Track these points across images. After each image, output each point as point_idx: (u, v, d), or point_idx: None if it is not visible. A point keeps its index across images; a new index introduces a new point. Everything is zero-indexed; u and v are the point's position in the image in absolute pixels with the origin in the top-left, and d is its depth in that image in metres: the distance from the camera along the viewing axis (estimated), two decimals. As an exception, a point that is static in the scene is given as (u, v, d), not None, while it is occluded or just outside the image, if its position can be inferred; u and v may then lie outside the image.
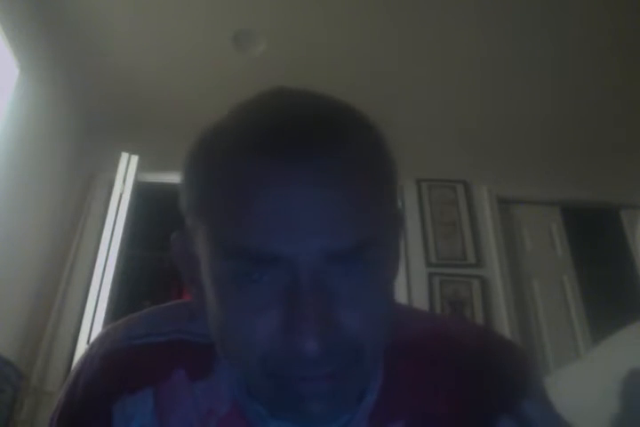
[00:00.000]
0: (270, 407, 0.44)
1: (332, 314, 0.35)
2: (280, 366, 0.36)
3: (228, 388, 0.46)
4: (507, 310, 2.74)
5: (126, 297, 2.75)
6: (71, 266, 2.64)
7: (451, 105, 2.99)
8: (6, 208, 2.22)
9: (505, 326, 2.68)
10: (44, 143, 2.59)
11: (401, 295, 2.63)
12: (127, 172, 2.59)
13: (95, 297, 2.30)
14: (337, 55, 2.64)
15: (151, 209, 2.77)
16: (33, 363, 2.34)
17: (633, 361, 0.74)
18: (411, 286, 2.74)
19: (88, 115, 2.99)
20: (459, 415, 0.45)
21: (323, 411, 0.38)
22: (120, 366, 0.48)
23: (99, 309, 2.27)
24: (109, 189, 2.65)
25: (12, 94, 2.22)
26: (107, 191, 2.73)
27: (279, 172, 0.35)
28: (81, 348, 2.18)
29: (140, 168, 2.62)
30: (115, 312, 2.35)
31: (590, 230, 3.25)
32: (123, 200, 2.53)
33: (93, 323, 2.23)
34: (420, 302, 2.66)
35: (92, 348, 0.51)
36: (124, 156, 2.61)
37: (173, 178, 0.44)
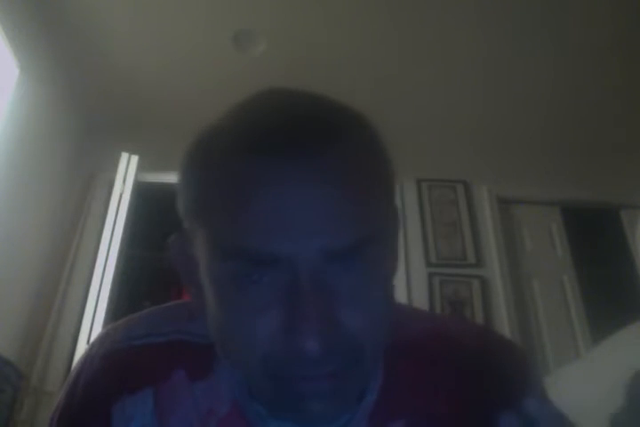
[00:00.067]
0: (271, 407, 0.44)
1: (333, 313, 0.35)
2: (281, 365, 0.36)
3: (228, 388, 0.46)
4: (507, 310, 2.74)
5: (126, 297, 2.75)
6: (71, 266, 2.64)
7: (451, 105, 2.99)
8: (6, 208, 2.22)
9: (505, 326, 2.68)
10: (43, 143, 2.59)
11: (401, 295, 2.63)
12: (127, 172, 2.59)
13: (95, 297, 2.30)
14: (337, 55, 2.64)
15: (151, 209, 2.77)
16: (33, 363, 2.34)
17: (633, 361, 0.74)
18: (411, 286, 2.74)
19: (88, 115, 2.99)
20: (459, 415, 0.45)
21: (324, 411, 0.38)
22: (120, 366, 0.48)
23: (99, 309, 2.27)
24: (109, 189, 2.65)
25: (11, 94, 2.22)
26: (107, 191, 2.73)
27: (276, 171, 0.35)
28: (81, 348, 2.18)
29: (140, 168, 2.62)
30: (115, 312, 2.34)
31: (590, 230, 3.25)
32: (123, 200, 2.53)
33: (93, 323, 2.23)
34: (420, 302, 2.66)
35: (92, 348, 0.51)
36: (124, 156, 2.62)
37: (173, 178, 0.44)
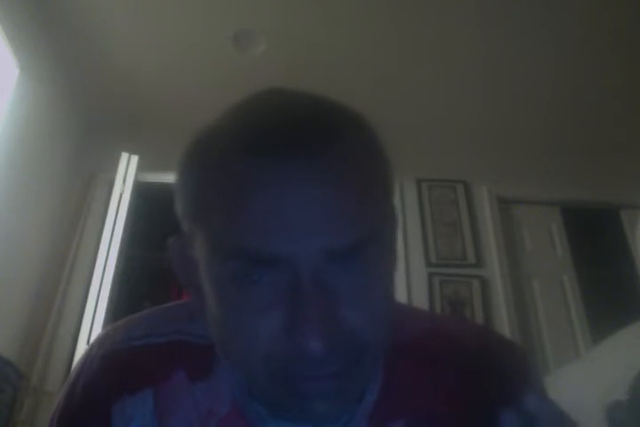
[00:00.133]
0: (273, 408, 0.44)
1: (334, 313, 0.35)
2: (284, 366, 0.36)
3: (228, 388, 0.46)
4: (507, 310, 2.74)
5: (126, 297, 2.75)
6: (71, 266, 2.64)
7: (451, 105, 2.99)
8: (6, 208, 2.22)
9: (505, 326, 2.68)
10: (44, 143, 2.59)
11: (401, 295, 2.63)
12: (127, 172, 2.59)
13: (95, 297, 2.30)
14: (337, 55, 2.64)
15: (151, 209, 2.77)
16: (33, 363, 2.34)
17: (633, 361, 0.74)
18: (411, 286, 2.74)
19: (88, 115, 2.99)
20: (459, 415, 0.45)
21: (327, 410, 0.38)
22: (120, 366, 0.48)
23: (99, 309, 2.27)
24: (109, 189, 2.65)
25: (12, 94, 2.22)
26: (107, 191, 2.73)
27: (275, 171, 0.35)
28: (81, 348, 2.18)
29: (140, 168, 2.62)
30: (115, 312, 2.34)
31: (590, 230, 3.25)
32: (123, 200, 2.53)
33: (93, 323, 2.23)
34: (420, 302, 2.66)
35: (92, 349, 0.51)
36: (124, 156, 2.62)
37: (173, 178, 0.44)
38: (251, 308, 0.36)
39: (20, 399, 2.08)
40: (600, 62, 2.64)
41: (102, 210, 2.68)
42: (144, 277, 3.08)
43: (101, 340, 0.52)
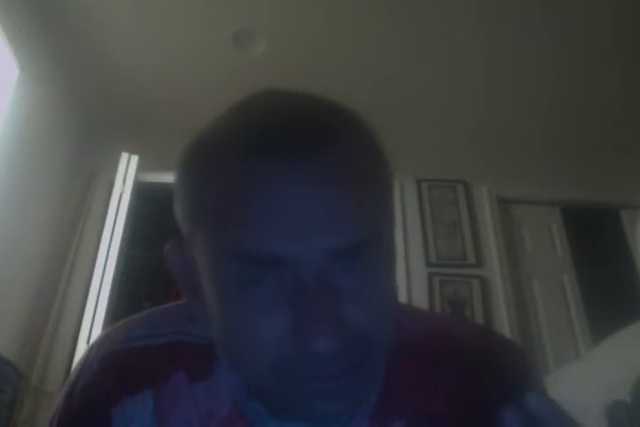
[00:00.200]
0: (274, 408, 0.44)
1: (340, 312, 0.35)
2: (291, 367, 0.36)
3: (228, 389, 0.46)
4: (507, 310, 2.74)
5: (126, 297, 2.75)
6: (71, 266, 2.64)
7: (451, 105, 2.99)
8: (6, 208, 2.22)
9: (505, 326, 2.68)
10: (44, 143, 2.59)
11: (401, 295, 2.63)
12: (127, 172, 2.59)
13: (95, 297, 2.30)
14: (337, 55, 2.64)
15: (151, 209, 2.77)
16: (33, 363, 2.34)
17: (633, 361, 0.74)
18: (411, 286, 2.74)
19: (88, 115, 2.99)
20: (459, 415, 0.45)
21: (334, 410, 0.38)
22: (120, 368, 0.48)
23: (99, 309, 2.27)
24: (109, 189, 2.65)
25: (12, 94, 2.22)
26: (107, 191, 2.73)
27: (276, 172, 0.35)
28: (81, 348, 2.18)
29: (140, 168, 2.62)
30: (114, 312, 2.35)
31: (590, 230, 3.25)
32: (123, 200, 2.53)
33: (93, 323, 2.23)
34: (420, 302, 2.66)
35: (92, 350, 0.51)
36: (124, 156, 2.62)
37: (173, 178, 0.44)
38: (254, 309, 0.36)
39: (20, 399, 2.08)
40: (600, 62, 2.64)
41: (102, 210, 2.68)
42: (144, 278, 3.08)
43: (101, 341, 0.51)
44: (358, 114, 0.41)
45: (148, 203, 2.75)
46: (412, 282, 2.76)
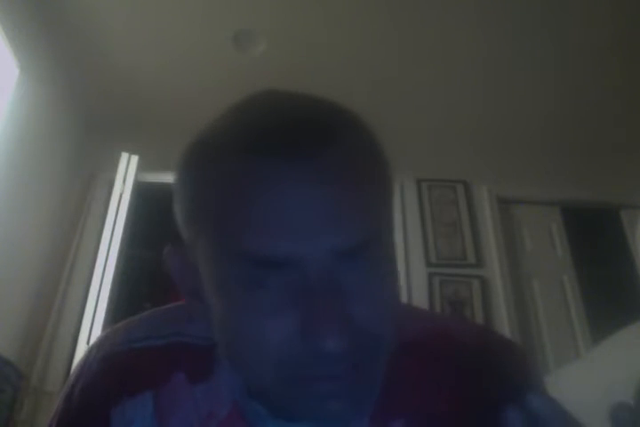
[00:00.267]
0: (275, 408, 0.44)
1: (347, 311, 0.35)
2: (300, 367, 0.36)
3: (228, 389, 0.46)
4: (507, 310, 2.74)
5: (126, 297, 2.75)
6: (71, 266, 2.64)
7: (451, 105, 2.99)
8: (6, 208, 2.22)
9: (505, 326, 2.69)
10: (44, 143, 2.59)
11: (401, 295, 2.63)
12: (127, 172, 2.59)
13: (95, 297, 2.30)
14: (337, 55, 2.64)
15: (151, 209, 2.77)
16: (33, 363, 2.34)
17: (633, 361, 0.74)
18: (411, 286, 2.74)
19: (88, 115, 2.99)
20: (459, 414, 0.45)
21: (342, 409, 0.38)
22: (119, 369, 0.48)
23: (99, 309, 2.27)
24: (109, 189, 2.65)
25: (12, 94, 2.22)
26: (107, 191, 2.73)
27: (278, 172, 0.35)
28: (81, 348, 2.18)
29: (140, 168, 2.62)
30: (114, 312, 2.35)
31: (590, 230, 3.26)
32: (123, 200, 2.53)
33: (93, 323, 2.23)
34: (420, 302, 2.66)
35: (91, 351, 0.51)
36: (124, 156, 2.62)
37: (173, 179, 0.44)
38: (260, 311, 0.36)
39: (20, 399, 2.08)
40: (600, 62, 2.64)
41: (102, 210, 2.68)
42: (144, 278, 3.08)
43: (101, 342, 0.51)
44: (358, 114, 0.41)
45: (148, 203, 2.75)
46: (412, 282, 2.76)
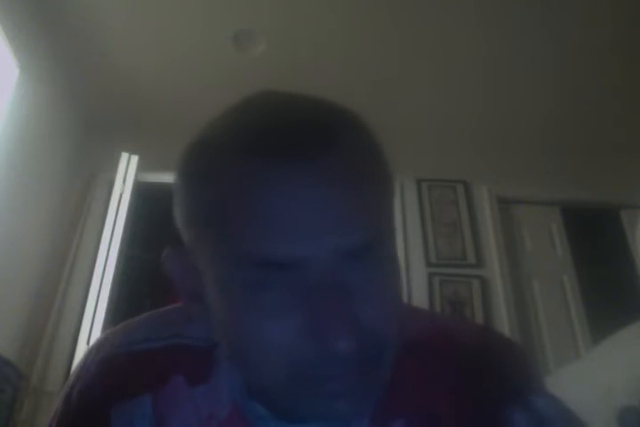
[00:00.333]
0: (276, 409, 0.44)
1: (354, 310, 0.35)
2: (308, 367, 0.36)
3: (228, 391, 0.46)
4: (507, 310, 2.74)
5: (126, 297, 2.75)
6: (71, 266, 2.64)
7: (451, 105, 2.99)
8: (6, 208, 2.22)
9: (505, 326, 2.69)
10: (44, 143, 2.59)
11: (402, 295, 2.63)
12: (127, 172, 2.59)
13: (95, 297, 2.30)
14: (337, 55, 2.64)
15: (151, 209, 2.77)
16: (33, 363, 2.34)
17: (633, 361, 0.74)
18: (411, 286, 2.74)
19: (88, 115, 2.99)
20: (460, 414, 0.45)
21: (349, 409, 0.38)
22: (118, 371, 0.48)
23: (99, 309, 2.27)
24: (109, 189, 2.65)
25: (12, 94, 2.22)
26: (107, 191, 2.73)
27: (280, 173, 0.34)
28: (81, 348, 2.18)
29: (140, 168, 2.62)
30: (114, 312, 2.35)
31: (590, 230, 3.26)
32: (123, 200, 2.53)
33: (93, 323, 2.23)
34: (420, 302, 2.66)
35: (90, 353, 0.51)
36: (124, 156, 2.62)
37: (173, 180, 0.43)
38: (265, 314, 0.36)
39: (20, 399, 2.08)
40: (600, 62, 2.64)
41: (102, 210, 2.68)
42: (144, 278, 3.08)
43: (100, 344, 0.51)
44: (357, 114, 0.41)
45: (148, 203, 2.75)
46: (412, 282, 2.76)
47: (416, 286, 2.75)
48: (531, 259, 3.05)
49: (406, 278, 2.75)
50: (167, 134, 2.56)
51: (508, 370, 0.48)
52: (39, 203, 2.58)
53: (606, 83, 2.78)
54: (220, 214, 0.36)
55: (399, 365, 0.41)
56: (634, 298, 2.66)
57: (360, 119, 0.41)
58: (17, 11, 2.17)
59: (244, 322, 0.37)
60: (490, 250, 2.93)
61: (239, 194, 0.35)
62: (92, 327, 2.21)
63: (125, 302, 2.70)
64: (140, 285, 3.11)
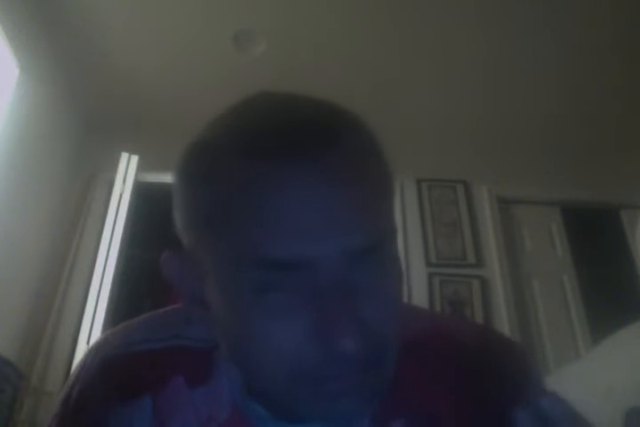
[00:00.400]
0: (277, 410, 0.44)
1: (360, 311, 0.35)
2: (314, 368, 0.36)
3: (228, 392, 0.46)
4: (507, 310, 2.74)
5: (126, 297, 2.75)
6: (71, 266, 2.64)
7: (451, 105, 2.99)
8: (6, 208, 2.22)
9: (505, 326, 2.69)
10: (44, 143, 2.59)
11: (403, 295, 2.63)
12: (127, 172, 2.59)
13: (95, 297, 2.30)
14: (337, 55, 2.64)
15: (151, 209, 2.76)
16: (33, 363, 2.34)
17: (633, 361, 0.74)
18: (411, 286, 2.74)
19: (88, 115, 2.99)
20: (460, 413, 0.45)
21: (352, 408, 0.38)
22: (118, 373, 0.48)
23: (99, 309, 2.27)
24: (109, 189, 2.65)
25: (12, 94, 2.22)
26: (107, 191, 2.73)
27: (286, 175, 0.34)
28: (81, 348, 2.18)
29: (140, 168, 2.62)
30: (114, 312, 2.35)
31: (590, 230, 3.25)
32: (123, 200, 2.53)
33: (93, 323, 2.23)
34: (420, 302, 2.66)
35: (90, 354, 0.51)
36: (124, 156, 2.62)
37: (172, 184, 0.43)
38: (272, 315, 0.36)
39: (20, 399, 2.08)
40: (600, 62, 2.64)
41: (102, 210, 2.68)
42: (144, 277, 3.08)
43: (99, 345, 0.51)
44: (357, 115, 0.41)
45: (148, 203, 2.75)
46: (412, 282, 2.76)
47: (416, 286, 2.75)
48: (531, 259, 3.05)
49: (406, 278, 2.75)
50: (167, 134, 2.56)
51: (508, 370, 0.48)
52: (39, 203, 2.58)
53: (606, 83, 2.78)
54: (222, 215, 0.36)
55: (399, 365, 0.42)
56: (634, 298, 2.66)
57: (360, 119, 0.41)
58: (17, 11, 2.17)
59: (247, 323, 0.37)
60: (490, 250, 2.93)
61: (241, 194, 0.35)
62: (92, 327, 2.21)
63: (125, 302, 2.70)
64: (140, 285, 3.11)
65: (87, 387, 0.48)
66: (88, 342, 2.18)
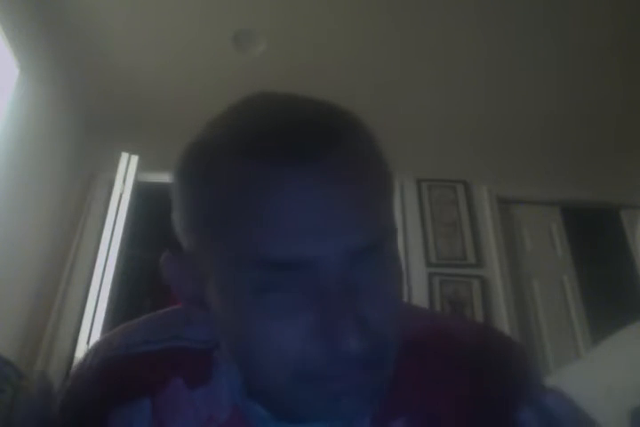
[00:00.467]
0: (277, 410, 0.44)
1: (361, 310, 0.35)
2: (317, 368, 0.36)
3: (228, 393, 0.46)
4: (507, 310, 2.74)
5: (126, 297, 2.75)
6: (71, 266, 2.64)
7: (451, 105, 2.99)
8: (6, 208, 2.22)
9: (505, 325, 2.68)
10: (44, 143, 2.59)
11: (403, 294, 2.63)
12: (127, 172, 2.59)
13: (95, 297, 2.30)
14: (337, 55, 2.64)
15: (151, 209, 2.76)
16: (33, 363, 2.34)
17: (633, 361, 0.74)
18: (411, 286, 2.74)
19: (88, 115, 2.99)
20: (460, 413, 0.45)
21: (354, 407, 0.38)
22: (117, 374, 0.48)
23: (99, 309, 2.27)
24: (109, 189, 2.65)
25: (12, 94, 2.22)
26: (107, 191, 2.73)
27: (287, 176, 0.34)
28: (81, 348, 2.18)
29: (140, 168, 2.62)
30: (114, 312, 2.34)
31: (590, 230, 3.26)
32: (123, 200, 2.53)
33: (93, 323, 2.23)
34: (420, 302, 2.66)
35: (89, 355, 0.51)
36: (124, 156, 2.62)
37: (171, 185, 0.43)
38: (274, 315, 0.36)
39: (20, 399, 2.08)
40: (600, 62, 2.64)
41: (102, 210, 2.68)
42: (144, 277, 3.08)
43: (98, 346, 0.51)
44: (356, 115, 0.41)
45: (147, 203, 2.74)
46: (412, 282, 2.76)
47: (416, 286, 2.75)
48: (531, 259, 3.05)
49: (406, 278, 2.75)
50: (167, 134, 2.56)
51: (508, 369, 0.48)
52: (39, 203, 2.58)
53: (606, 83, 2.78)
54: (222, 215, 0.36)
55: (399, 364, 0.42)
56: (634, 298, 2.66)
57: (359, 120, 0.41)
58: (17, 11, 2.17)
59: (247, 323, 0.37)
60: (490, 250, 2.93)
61: (241, 194, 0.35)
62: (92, 327, 2.21)
63: (125, 302, 2.69)
64: (140, 285, 3.11)
65: (86, 389, 0.48)
66: (88, 342, 2.18)
